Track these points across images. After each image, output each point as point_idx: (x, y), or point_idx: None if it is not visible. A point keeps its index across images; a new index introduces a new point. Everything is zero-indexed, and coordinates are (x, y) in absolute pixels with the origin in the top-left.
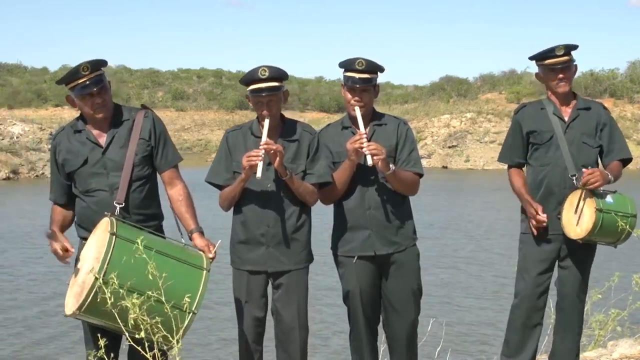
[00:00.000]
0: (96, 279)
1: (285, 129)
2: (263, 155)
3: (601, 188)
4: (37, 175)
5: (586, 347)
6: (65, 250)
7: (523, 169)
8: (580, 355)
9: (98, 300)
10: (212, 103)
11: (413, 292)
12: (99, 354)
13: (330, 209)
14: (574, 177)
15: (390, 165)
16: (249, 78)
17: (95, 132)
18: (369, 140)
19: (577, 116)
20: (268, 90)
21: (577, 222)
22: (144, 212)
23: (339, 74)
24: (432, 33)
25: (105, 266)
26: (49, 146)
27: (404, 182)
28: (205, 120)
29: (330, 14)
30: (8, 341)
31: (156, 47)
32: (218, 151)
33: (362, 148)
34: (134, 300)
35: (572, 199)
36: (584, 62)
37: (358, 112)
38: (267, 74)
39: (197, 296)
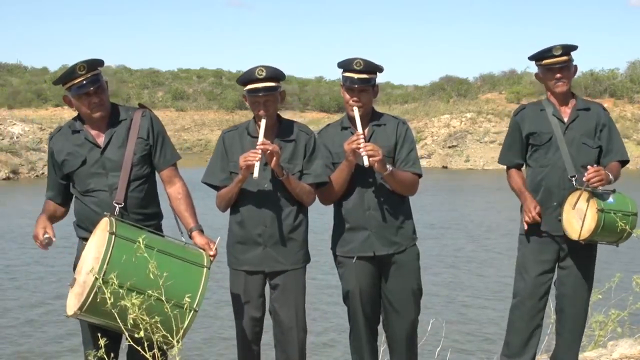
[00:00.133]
0: (96, 279)
1: (281, 129)
2: (260, 156)
3: (600, 188)
4: (37, 175)
5: (586, 347)
6: (45, 233)
7: (522, 169)
8: (580, 355)
9: (98, 300)
10: (212, 103)
11: (413, 292)
12: (98, 354)
13: (330, 209)
14: (573, 178)
15: (388, 166)
16: (246, 78)
17: (93, 132)
18: (367, 141)
19: (577, 117)
20: (265, 90)
21: (579, 223)
22: (144, 212)
23: (339, 74)
24: (432, 33)
25: (105, 266)
26: None
27: (402, 183)
28: (205, 120)
29: (330, 14)
30: (9, 340)
31: (156, 47)
32: (214, 152)
33: (358, 149)
34: (134, 300)
35: (572, 199)
36: (584, 62)
37: (356, 113)
38: (264, 73)
39: (198, 294)
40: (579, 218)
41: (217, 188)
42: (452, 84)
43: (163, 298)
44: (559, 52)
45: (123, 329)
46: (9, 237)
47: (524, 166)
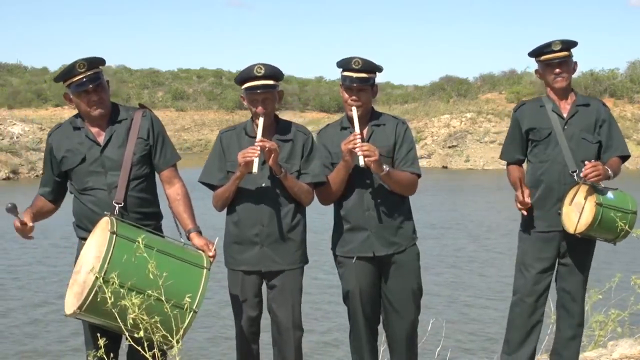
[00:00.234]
0: (97, 278)
1: (279, 129)
2: (259, 152)
3: (602, 184)
4: (37, 175)
5: (586, 347)
6: (23, 223)
7: (523, 165)
8: (580, 355)
9: (99, 299)
10: (212, 103)
11: (413, 292)
12: (98, 354)
13: (330, 209)
14: (574, 174)
15: (384, 166)
16: (245, 75)
17: (93, 130)
18: (367, 141)
19: (576, 112)
20: (264, 87)
21: (577, 217)
22: (143, 212)
23: (339, 73)
24: (432, 33)
25: (106, 265)
26: None
27: (400, 183)
28: (205, 120)
29: (330, 14)
30: (12, 339)
31: (156, 47)
32: (211, 151)
33: (355, 149)
34: (134, 300)
35: (572, 194)
36: (584, 62)
37: (355, 112)
38: (262, 71)
39: (198, 295)
40: (577, 212)
41: (214, 188)
42: (452, 84)
43: (163, 298)
44: (558, 47)
45: (123, 328)
46: (9, 237)
47: (525, 162)
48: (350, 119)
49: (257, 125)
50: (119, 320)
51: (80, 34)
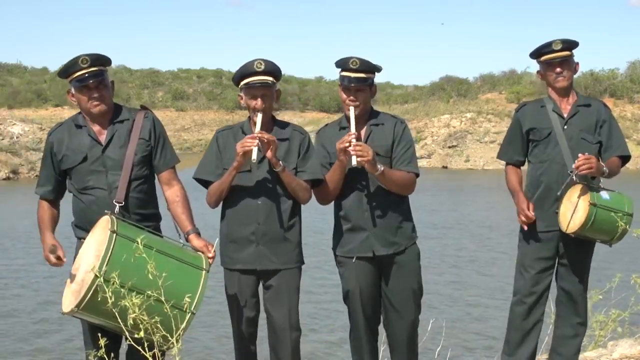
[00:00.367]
0: (96, 276)
1: (276, 128)
2: (258, 141)
3: (601, 184)
4: (37, 175)
5: (586, 347)
6: (59, 258)
7: (521, 167)
8: (580, 355)
9: (98, 298)
10: (212, 103)
11: (413, 291)
12: (98, 354)
13: (331, 209)
14: (571, 173)
15: (379, 166)
16: (244, 71)
17: (95, 129)
18: (366, 140)
19: (577, 112)
20: (263, 83)
21: (571, 216)
22: (142, 212)
23: (338, 73)
24: (432, 33)
25: (106, 264)
26: None
27: (396, 183)
28: (205, 120)
29: (330, 14)
30: (16, 338)
31: (156, 47)
32: (207, 150)
33: (348, 148)
34: (134, 300)
35: (570, 193)
36: (584, 62)
37: (352, 112)
38: (262, 66)
39: (197, 296)
40: (572, 211)
41: (208, 185)
42: (452, 84)
43: (162, 298)
44: (559, 47)
45: (123, 328)
46: (13, 236)
47: (524, 164)
48: (349, 119)
49: (254, 124)
50: (119, 320)
51: (80, 34)
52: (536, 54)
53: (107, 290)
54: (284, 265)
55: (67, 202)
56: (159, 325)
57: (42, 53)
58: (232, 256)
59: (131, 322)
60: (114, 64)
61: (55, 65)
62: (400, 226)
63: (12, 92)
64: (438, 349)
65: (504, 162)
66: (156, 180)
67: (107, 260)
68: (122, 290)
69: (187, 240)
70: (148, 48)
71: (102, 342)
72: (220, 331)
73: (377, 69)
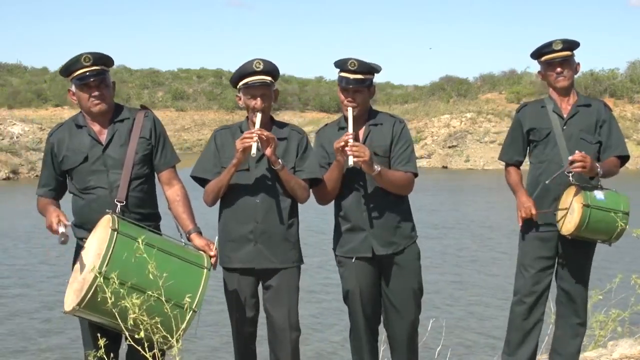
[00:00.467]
0: (96, 275)
1: (274, 128)
2: (257, 137)
3: (599, 184)
4: (37, 175)
5: (586, 347)
6: (59, 222)
7: (521, 168)
8: (581, 355)
9: (99, 297)
10: (212, 103)
11: (414, 291)
12: (98, 354)
13: (331, 209)
14: (570, 174)
15: (375, 167)
16: (243, 71)
17: (95, 128)
18: (364, 140)
19: (576, 113)
20: (262, 82)
21: (567, 218)
22: (143, 212)
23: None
24: (432, 33)
25: (107, 262)
26: None
27: (393, 183)
28: (205, 120)
29: (330, 14)
30: (20, 337)
31: (156, 47)
32: (205, 149)
33: (345, 148)
34: (135, 300)
35: (567, 195)
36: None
37: (350, 113)
38: (261, 66)
39: (198, 295)
40: (568, 213)
41: (206, 184)
42: (452, 84)
43: (163, 298)
44: (559, 47)
45: (123, 327)
46: (13, 236)
47: (523, 165)
48: (347, 120)
49: (253, 123)
50: (120, 320)
51: (80, 34)
52: (537, 54)
53: (107, 290)
54: (283, 264)
55: (67, 202)
56: (159, 325)
57: (42, 53)
58: (230, 255)
59: (131, 322)
60: (114, 64)
61: (55, 65)
62: (399, 226)
63: (12, 92)
64: (438, 349)
65: (504, 163)
66: (156, 181)
67: (107, 259)
68: (122, 290)
69: (188, 239)
70: (148, 48)
71: (101, 342)
72: (223, 331)
73: (376, 69)
